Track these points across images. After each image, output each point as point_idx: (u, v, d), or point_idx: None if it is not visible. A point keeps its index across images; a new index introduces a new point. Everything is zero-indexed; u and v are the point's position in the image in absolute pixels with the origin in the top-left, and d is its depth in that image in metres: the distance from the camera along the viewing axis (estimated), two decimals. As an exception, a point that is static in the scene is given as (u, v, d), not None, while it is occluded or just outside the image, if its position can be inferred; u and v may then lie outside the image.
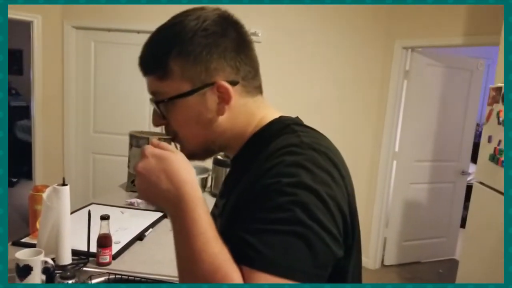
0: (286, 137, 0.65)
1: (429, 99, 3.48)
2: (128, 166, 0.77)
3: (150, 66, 0.68)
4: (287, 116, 0.73)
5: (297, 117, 0.75)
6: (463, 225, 2.95)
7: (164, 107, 0.67)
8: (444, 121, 3.58)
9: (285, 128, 0.68)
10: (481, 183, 2.27)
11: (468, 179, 3.87)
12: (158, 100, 0.67)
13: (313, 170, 0.57)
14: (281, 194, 0.55)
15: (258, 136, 0.70)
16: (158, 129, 0.80)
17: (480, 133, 2.38)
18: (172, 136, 0.71)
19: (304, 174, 0.56)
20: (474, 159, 3.30)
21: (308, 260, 0.53)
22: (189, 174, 0.61)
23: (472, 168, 3.76)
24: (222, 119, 0.67)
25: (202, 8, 0.67)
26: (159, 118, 0.70)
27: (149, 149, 0.63)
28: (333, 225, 0.57)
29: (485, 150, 2.23)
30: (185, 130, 0.69)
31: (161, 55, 0.65)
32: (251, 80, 0.70)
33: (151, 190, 0.62)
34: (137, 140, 0.74)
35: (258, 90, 0.73)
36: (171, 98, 0.66)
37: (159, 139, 0.68)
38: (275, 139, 0.65)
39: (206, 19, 0.65)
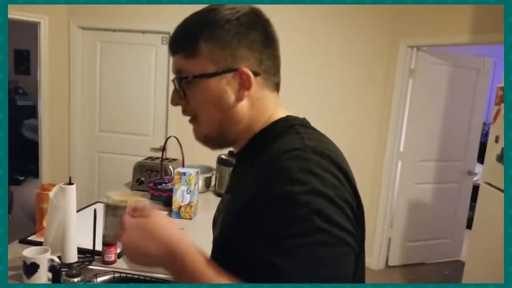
0: (289, 138, 0.65)
1: (434, 98, 3.46)
2: (104, 235, 0.84)
3: (180, 44, 0.70)
4: (294, 116, 0.74)
5: (304, 118, 0.75)
6: (469, 226, 2.93)
7: (186, 85, 0.69)
8: (450, 121, 3.56)
9: (289, 128, 0.69)
10: (488, 183, 2.25)
11: (475, 179, 3.85)
12: (182, 76, 0.69)
13: (321, 174, 0.57)
14: (296, 204, 0.55)
15: (263, 133, 0.71)
16: (133, 192, 0.84)
17: (487, 132, 2.37)
18: (191, 115, 0.73)
19: (314, 180, 0.56)
20: (480, 159, 3.28)
21: (336, 264, 0.55)
22: (170, 229, 0.66)
23: (478, 168, 3.73)
24: (240, 106, 0.69)
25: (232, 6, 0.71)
26: (178, 97, 0.72)
27: (127, 221, 0.67)
28: (350, 224, 0.58)
29: (492, 151, 2.21)
30: (203, 111, 0.70)
31: (193, 34, 0.68)
32: (272, 76, 0.72)
33: (144, 259, 0.66)
34: (113, 210, 0.78)
35: (276, 87, 0.74)
36: (195, 76, 0.67)
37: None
38: (278, 139, 0.67)
39: (240, 10, 0.68)
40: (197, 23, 0.69)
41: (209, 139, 0.73)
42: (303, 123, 0.72)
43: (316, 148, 0.61)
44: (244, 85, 0.67)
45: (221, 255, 0.71)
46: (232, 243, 0.66)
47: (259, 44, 0.68)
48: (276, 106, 0.74)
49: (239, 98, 0.68)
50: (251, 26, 0.68)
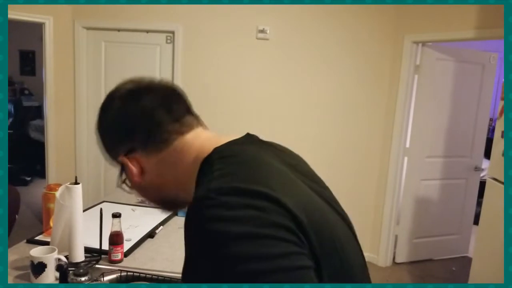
0: (202, 185, 0.60)
1: (440, 94, 3.44)
2: None
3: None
4: (223, 145, 0.67)
5: (232, 141, 0.69)
6: (476, 222, 2.91)
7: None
8: (456, 116, 3.54)
9: (207, 170, 0.63)
10: (495, 179, 2.24)
11: (482, 175, 3.82)
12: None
13: (230, 215, 0.51)
14: (220, 258, 0.50)
15: (197, 180, 0.67)
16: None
17: (494, 128, 2.35)
18: None
19: (225, 226, 0.51)
20: (487, 154, 3.25)
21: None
22: None
23: (485, 163, 3.71)
24: (148, 178, 0.74)
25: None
26: None
27: None
28: (285, 244, 0.51)
29: (498, 146, 2.20)
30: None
31: (101, 143, 0.78)
32: (152, 140, 0.71)
33: None
34: None
35: (173, 136, 0.71)
36: (122, 181, 0.77)
37: None
38: (198, 186, 0.63)
39: (117, 103, 0.75)
40: (99, 121, 0.78)
41: (160, 206, 0.80)
42: (225, 153, 0.64)
43: (220, 187, 0.55)
44: (132, 169, 0.72)
45: None
46: None
47: (125, 126, 0.72)
48: (197, 141, 0.71)
49: (138, 177, 0.73)
50: (125, 107, 0.73)
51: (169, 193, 0.74)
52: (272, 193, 0.54)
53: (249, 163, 0.61)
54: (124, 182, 0.76)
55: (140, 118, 0.71)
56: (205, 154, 0.66)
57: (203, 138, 0.71)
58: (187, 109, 0.75)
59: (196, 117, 0.75)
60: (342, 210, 0.74)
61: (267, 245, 0.50)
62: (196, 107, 0.79)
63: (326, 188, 0.75)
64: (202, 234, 0.52)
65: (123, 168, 0.74)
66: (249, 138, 0.72)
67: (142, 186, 0.75)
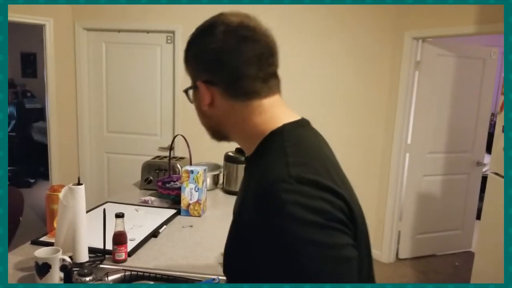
0: (275, 162, 0.67)
1: (441, 89, 3.44)
2: None
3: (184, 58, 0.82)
4: (290, 123, 0.76)
5: (300, 123, 0.78)
6: (479, 216, 2.91)
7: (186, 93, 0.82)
8: (458, 112, 3.54)
9: (279, 145, 0.71)
10: (496, 173, 2.24)
11: (484, 170, 3.82)
12: (186, 88, 0.81)
13: (308, 203, 0.60)
14: (289, 237, 0.59)
15: (262, 145, 0.75)
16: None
17: (495, 123, 2.35)
18: None
19: (302, 211, 0.59)
20: (489, 149, 3.25)
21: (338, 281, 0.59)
22: None
23: (487, 158, 3.70)
24: (212, 112, 0.78)
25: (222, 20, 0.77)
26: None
27: None
28: (346, 237, 0.62)
29: (500, 140, 2.20)
30: (198, 115, 0.82)
31: (186, 50, 0.80)
32: (234, 86, 0.75)
33: None
34: None
35: (253, 95, 0.76)
36: (184, 90, 0.81)
37: None
38: (269, 155, 0.71)
39: (224, 26, 0.75)
40: (191, 42, 0.79)
41: (213, 135, 0.83)
42: (295, 137, 0.73)
43: (300, 177, 0.63)
44: (204, 97, 0.76)
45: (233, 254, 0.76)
46: (240, 252, 0.71)
47: (219, 59, 0.74)
48: (269, 107, 0.76)
49: (207, 105, 0.77)
50: (233, 37, 0.74)
51: (223, 130, 0.80)
52: (337, 188, 0.64)
53: (316, 155, 0.71)
54: (188, 97, 0.82)
55: (234, 61, 0.73)
56: (274, 126, 0.74)
57: (277, 109, 0.77)
58: (275, 71, 0.79)
59: (279, 81, 0.80)
60: None
61: (330, 235, 0.59)
62: (195, 106, 0.82)
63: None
64: (277, 212, 0.60)
65: (194, 89, 0.79)
66: (308, 123, 0.81)
67: (203, 113, 0.79)
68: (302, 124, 0.77)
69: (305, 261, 0.58)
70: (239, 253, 0.71)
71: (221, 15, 0.77)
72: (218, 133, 0.82)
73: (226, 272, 0.77)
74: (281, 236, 0.59)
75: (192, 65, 0.78)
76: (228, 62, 0.73)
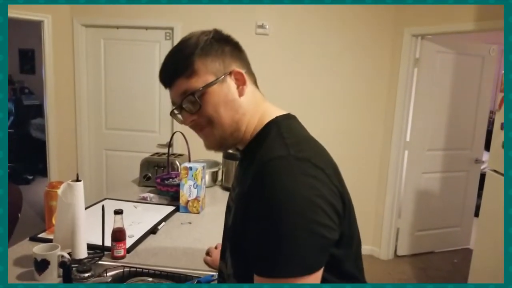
0: (275, 144, 0.75)
1: (440, 86, 3.44)
2: None
3: (177, 70, 0.81)
4: (282, 117, 0.84)
5: (290, 116, 0.85)
6: (477, 214, 2.92)
7: (199, 98, 0.80)
8: (456, 109, 3.54)
9: (277, 132, 0.79)
10: (495, 171, 2.24)
11: (482, 167, 3.82)
12: (192, 92, 0.79)
13: (302, 178, 0.67)
14: (283, 205, 0.65)
15: (259, 135, 0.82)
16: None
17: (494, 120, 2.35)
18: (205, 124, 0.83)
19: (295, 184, 0.66)
20: (488, 147, 3.25)
21: (307, 253, 0.66)
22: None
23: (486, 156, 3.70)
24: (242, 100, 0.82)
25: (201, 31, 0.84)
26: (188, 115, 0.83)
27: None
28: (327, 218, 0.68)
29: (498, 138, 2.20)
30: (218, 113, 0.81)
31: (187, 57, 0.80)
32: (251, 75, 0.87)
33: None
34: None
35: (256, 85, 0.88)
36: (204, 87, 0.79)
37: None
38: (268, 142, 0.78)
39: (210, 34, 0.82)
40: (184, 49, 0.81)
41: (225, 141, 0.84)
42: (289, 126, 0.81)
43: (298, 155, 0.70)
44: (240, 82, 0.82)
45: (235, 243, 0.82)
46: (242, 236, 0.76)
47: (234, 52, 0.84)
48: (263, 102, 0.87)
49: (240, 94, 0.82)
50: (224, 42, 0.83)
51: (244, 121, 0.83)
52: (327, 170, 0.72)
53: (311, 142, 0.79)
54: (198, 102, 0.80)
55: (247, 60, 0.88)
56: (270, 117, 0.83)
57: (267, 102, 0.88)
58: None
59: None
60: None
61: (315, 212, 0.66)
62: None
63: None
64: (272, 183, 0.67)
65: (218, 84, 0.80)
66: (295, 117, 0.87)
67: (233, 103, 0.81)
68: (292, 117, 0.85)
69: (286, 227, 0.64)
70: (242, 230, 0.75)
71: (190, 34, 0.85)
72: (237, 131, 0.83)
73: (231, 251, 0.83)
74: (270, 205, 0.66)
75: (211, 63, 0.80)
76: (244, 56, 0.87)
